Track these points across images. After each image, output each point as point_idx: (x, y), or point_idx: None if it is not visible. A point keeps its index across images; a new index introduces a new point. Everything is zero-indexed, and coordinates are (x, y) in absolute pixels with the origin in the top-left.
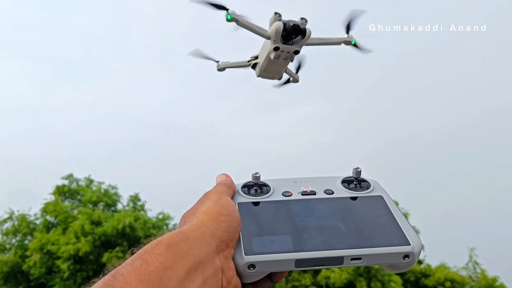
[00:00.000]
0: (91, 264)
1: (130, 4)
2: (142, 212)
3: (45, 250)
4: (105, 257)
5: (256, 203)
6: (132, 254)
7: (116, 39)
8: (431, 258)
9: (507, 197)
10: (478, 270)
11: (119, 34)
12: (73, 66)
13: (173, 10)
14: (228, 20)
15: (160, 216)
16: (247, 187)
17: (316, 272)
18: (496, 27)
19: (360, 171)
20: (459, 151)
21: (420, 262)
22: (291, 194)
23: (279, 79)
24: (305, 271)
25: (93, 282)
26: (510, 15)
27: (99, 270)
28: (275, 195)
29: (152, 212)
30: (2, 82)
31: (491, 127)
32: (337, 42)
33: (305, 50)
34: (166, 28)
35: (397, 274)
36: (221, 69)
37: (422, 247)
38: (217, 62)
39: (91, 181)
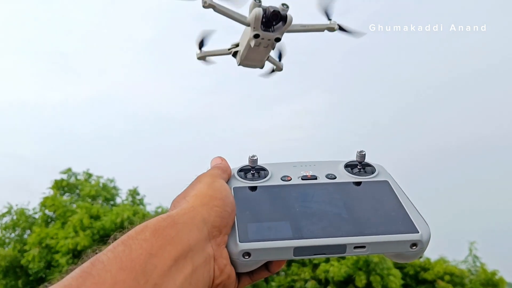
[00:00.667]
0: None
1: None
2: (141, 206)
3: (43, 244)
4: None
5: (252, 188)
6: (115, 240)
7: (114, 33)
8: (431, 251)
9: (508, 192)
10: (478, 264)
11: (118, 28)
12: (72, 60)
13: (172, 4)
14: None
15: (159, 210)
16: (243, 171)
17: (315, 266)
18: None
19: (365, 154)
20: (458, 147)
21: None
22: (291, 179)
23: (261, 67)
24: (304, 264)
25: (70, 270)
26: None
27: None
28: (273, 180)
29: (151, 206)
30: (1, 77)
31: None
32: (320, 29)
33: (294, 39)
34: (165, 22)
35: (397, 267)
36: (201, 57)
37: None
38: (200, 50)
39: (90, 175)
